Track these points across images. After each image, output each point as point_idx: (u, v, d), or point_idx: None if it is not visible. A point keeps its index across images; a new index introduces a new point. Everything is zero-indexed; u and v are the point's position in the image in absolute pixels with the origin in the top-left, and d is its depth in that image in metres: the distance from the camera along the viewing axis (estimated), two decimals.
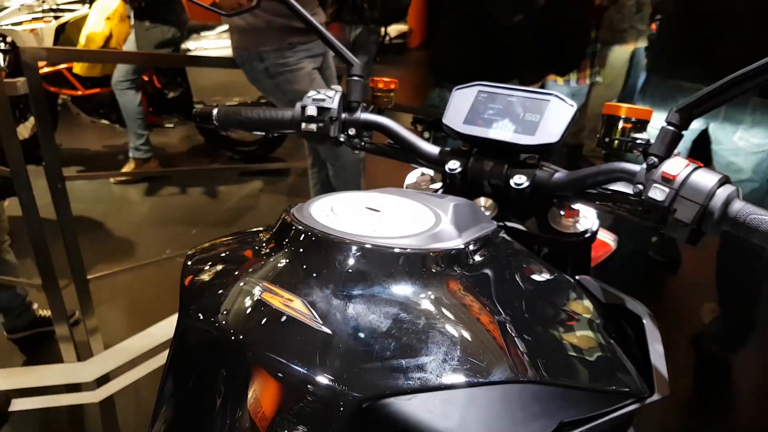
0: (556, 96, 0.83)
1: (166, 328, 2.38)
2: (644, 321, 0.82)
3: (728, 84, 0.63)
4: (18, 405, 1.97)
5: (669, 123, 0.70)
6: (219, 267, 0.62)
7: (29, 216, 1.92)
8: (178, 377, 0.58)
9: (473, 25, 1.98)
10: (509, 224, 0.86)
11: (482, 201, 0.87)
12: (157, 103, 4.02)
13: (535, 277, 0.71)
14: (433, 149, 0.90)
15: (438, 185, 0.96)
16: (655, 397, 0.73)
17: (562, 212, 0.84)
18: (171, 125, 4.20)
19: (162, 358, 2.17)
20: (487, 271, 0.63)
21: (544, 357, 0.58)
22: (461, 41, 1.88)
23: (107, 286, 2.45)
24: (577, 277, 0.79)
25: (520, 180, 0.81)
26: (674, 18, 1.90)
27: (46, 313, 2.23)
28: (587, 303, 0.75)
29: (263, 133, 1.06)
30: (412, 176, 1.01)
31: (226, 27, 3.60)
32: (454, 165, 0.86)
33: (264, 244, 0.63)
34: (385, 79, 0.93)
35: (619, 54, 3.16)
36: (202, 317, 0.56)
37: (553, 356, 0.60)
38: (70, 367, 2.15)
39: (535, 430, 0.61)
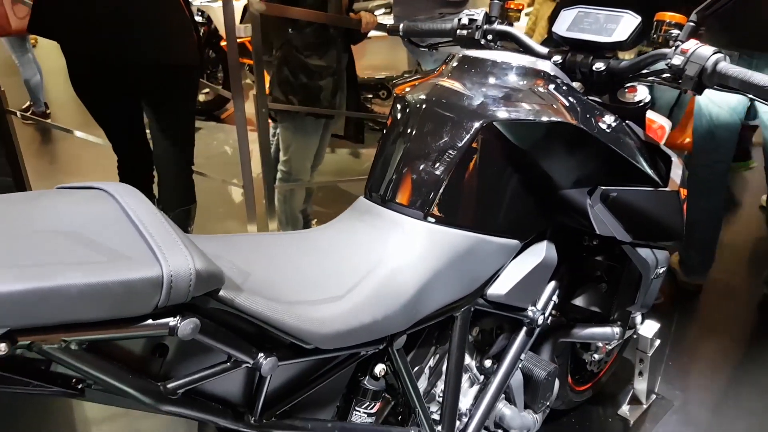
0: (629, 13, 1.27)
1: None
2: (673, 159, 1.25)
3: None
4: None
5: (691, 21, 1.13)
6: (414, 81, 1.15)
7: (240, 129, 2.61)
8: (389, 134, 1.11)
9: None
10: (591, 98, 1.31)
11: (575, 85, 1.33)
12: None
13: (599, 109, 1.15)
14: (544, 49, 1.36)
15: None
16: (666, 189, 1.16)
17: (626, 90, 1.28)
18: None
19: None
20: (565, 90, 1.10)
21: (596, 124, 1.04)
22: None
23: None
24: (628, 121, 1.22)
25: (599, 65, 1.25)
26: None
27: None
28: (632, 133, 1.18)
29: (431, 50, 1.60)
30: None
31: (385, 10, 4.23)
32: (557, 58, 1.31)
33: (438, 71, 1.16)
34: (516, 2, 1.42)
35: None
36: (404, 97, 1.09)
37: (601, 128, 1.06)
38: None
39: (581, 176, 1.08)
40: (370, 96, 4.82)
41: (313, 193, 3.16)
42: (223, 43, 4.59)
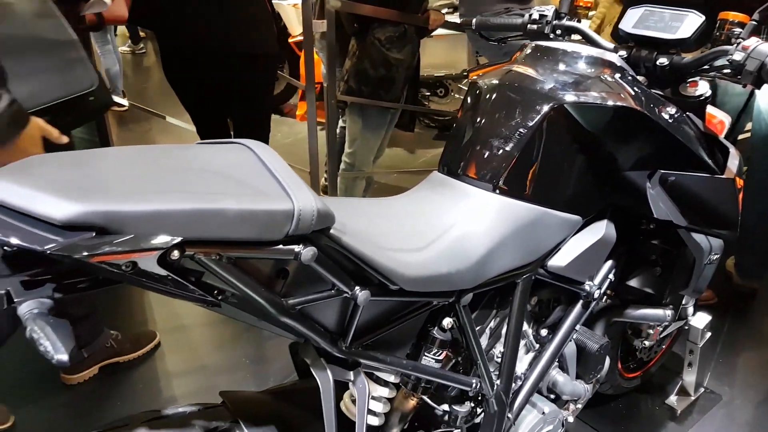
0: (693, 12, 1.35)
1: None
2: (730, 150, 1.32)
3: None
4: None
5: (753, 20, 1.20)
6: (489, 68, 1.27)
7: (310, 119, 2.78)
8: (464, 113, 1.23)
9: None
10: (654, 91, 1.39)
11: (639, 78, 1.41)
12: None
13: (662, 100, 1.24)
14: (610, 45, 1.45)
15: None
16: (723, 176, 1.24)
17: (687, 84, 1.36)
18: None
19: None
20: (630, 81, 1.20)
21: (659, 113, 1.14)
22: None
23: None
24: (688, 113, 1.30)
25: (663, 61, 1.34)
26: None
27: None
28: (692, 123, 1.26)
29: (500, 43, 1.71)
30: None
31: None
32: (622, 53, 1.40)
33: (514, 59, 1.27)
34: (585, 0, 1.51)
35: None
36: (480, 81, 1.21)
37: (663, 117, 1.15)
38: None
39: (642, 160, 1.17)
40: (428, 94, 4.94)
41: (372, 184, 3.31)
42: (291, 40, 4.79)
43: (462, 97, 4.33)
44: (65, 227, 0.59)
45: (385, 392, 1.10)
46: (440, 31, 3.09)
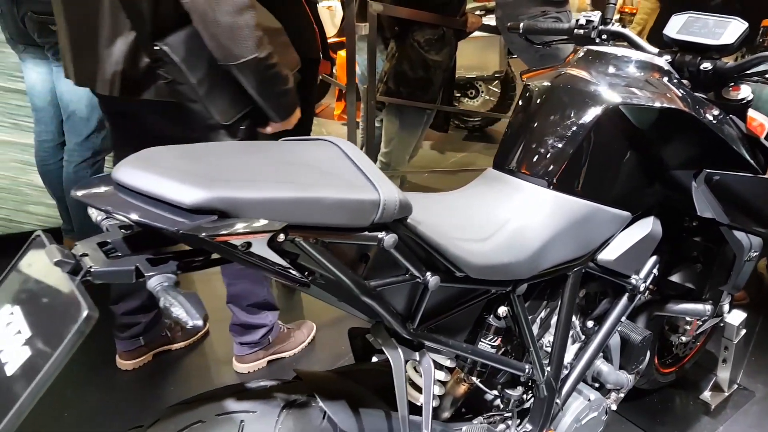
0: (736, 19, 1.40)
1: None
2: None
3: None
4: None
5: None
6: (542, 70, 1.33)
7: (350, 118, 2.86)
8: (519, 113, 1.30)
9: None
10: (697, 94, 1.45)
11: (684, 82, 1.47)
12: None
13: (706, 103, 1.30)
14: (654, 50, 1.50)
15: None
16: (765, 176, 1.29)
17: (730, 88, 1.41)
18: None
19: None
20: (677, 84, 1.26)
21: (704, 114, 1.19)
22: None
23: None
24: (731, 115, 1.35)
25: (706, 65, 1.39)
26: None
27: None
28: (735, 126, 1.32)
29: (544, 45, 1.77)
30: None
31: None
32: (666, 58, 1.45)
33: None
34: (630, 6, 1.57)
35: None
36: (534, 83, 1.28)
37: (708, 118, 1.21)
38: None
39: (689, 159, 1.23)
40: (459, 95, 4.99)
41: (405, 183, 3.39)
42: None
43: (491, 99, 4.42)
44: (191, 211, 0.68)
45: (441, 375, 1.18)
46: (473, 33, 3.16)
